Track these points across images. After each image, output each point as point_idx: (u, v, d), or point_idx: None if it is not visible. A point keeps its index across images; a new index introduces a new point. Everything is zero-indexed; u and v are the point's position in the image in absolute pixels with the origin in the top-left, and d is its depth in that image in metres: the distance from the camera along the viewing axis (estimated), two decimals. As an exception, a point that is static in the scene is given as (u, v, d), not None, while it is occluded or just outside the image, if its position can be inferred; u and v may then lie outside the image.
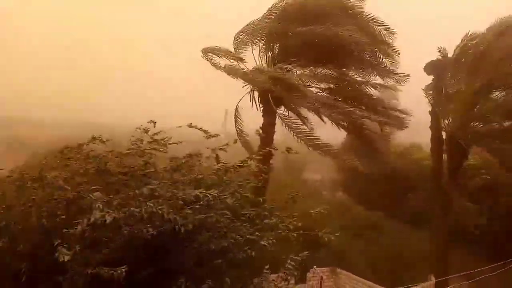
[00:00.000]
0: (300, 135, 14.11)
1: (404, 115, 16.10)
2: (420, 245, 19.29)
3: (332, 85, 15.43)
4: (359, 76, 15.56)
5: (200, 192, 4.59)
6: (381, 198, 24.85)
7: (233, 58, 14.50)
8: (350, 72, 15.53)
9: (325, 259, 16.08)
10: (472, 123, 18.06)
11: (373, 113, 15.34)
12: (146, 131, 5.52)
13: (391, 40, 15.03)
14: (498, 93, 17.99)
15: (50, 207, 4.76)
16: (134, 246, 4.42)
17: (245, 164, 5.51)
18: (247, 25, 15.42)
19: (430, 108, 19.00)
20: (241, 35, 15.34)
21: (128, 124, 5.54)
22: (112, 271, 3.92)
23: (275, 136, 14.88)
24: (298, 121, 14.87)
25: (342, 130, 15.43)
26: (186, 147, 5.73)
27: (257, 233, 5.03)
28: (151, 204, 4.23)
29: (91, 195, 4.36)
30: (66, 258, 3.88)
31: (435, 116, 18.75)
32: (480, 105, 17.92)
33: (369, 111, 15.37)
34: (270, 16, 15.10)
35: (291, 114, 15.17)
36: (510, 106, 17.07)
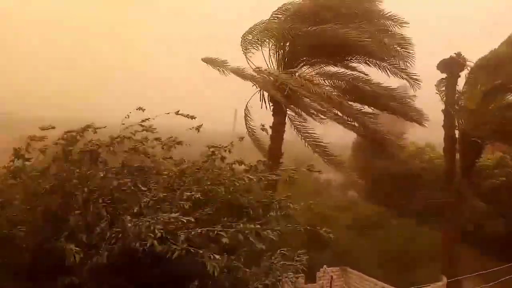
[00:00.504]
0: (308, 139, 14.20)
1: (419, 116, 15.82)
2: (432, 245, 19.10)
3: (343, 85, 15.39)
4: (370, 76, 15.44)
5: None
6: (393, 197, 24.68)
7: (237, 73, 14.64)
8: (361, 72, 15.42)
9: (334, 258, 16.07)
10: (487, 121, 17.76)
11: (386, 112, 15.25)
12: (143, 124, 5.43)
13: (405, 39, 14.78)
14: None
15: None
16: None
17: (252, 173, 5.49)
18: (256, 25, 15.45)
19: (434, 107, 18.79)
20: (249, 36, 15.39)
21: (128, 124, 5.56)
22: None
23: (285, 136, 14.96)
24: (307, 124, 14.94)
25: (352, 131, 15.41)
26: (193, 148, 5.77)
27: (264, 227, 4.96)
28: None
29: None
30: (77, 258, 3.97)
31: (448, 114, 18.56)
32: (496, 103, 17.70)
33: (381, 111, 15.30)
34: (279, 16, 15.11)
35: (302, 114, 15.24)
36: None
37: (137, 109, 5.57)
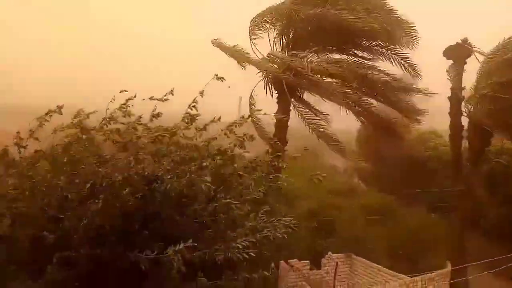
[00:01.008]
0: (312, 126, 14.11)
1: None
2: (438, 232, 19.09)
3: (346, 72, 15.23)
4: (375, 63, 15.26)
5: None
6: (398, 183, 24.61)
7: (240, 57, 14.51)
8: (365, 59, 15.24)
9: (340, 245, 16.11)
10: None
11: (390, 101, 15.10)
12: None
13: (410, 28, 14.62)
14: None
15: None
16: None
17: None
18: (266, 9, 15.30)
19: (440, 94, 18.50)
20: (258, 19, 15.24)
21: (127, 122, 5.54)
22: None
23: (289, 123, 14.89)
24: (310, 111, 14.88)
25: (357, 119, 15.30)
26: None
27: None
28: None
29: None
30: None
31: (455, 101, 18.36)
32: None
33: (385, 98, 15.14)
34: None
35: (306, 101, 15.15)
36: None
37: (120, 92, 5.40)
